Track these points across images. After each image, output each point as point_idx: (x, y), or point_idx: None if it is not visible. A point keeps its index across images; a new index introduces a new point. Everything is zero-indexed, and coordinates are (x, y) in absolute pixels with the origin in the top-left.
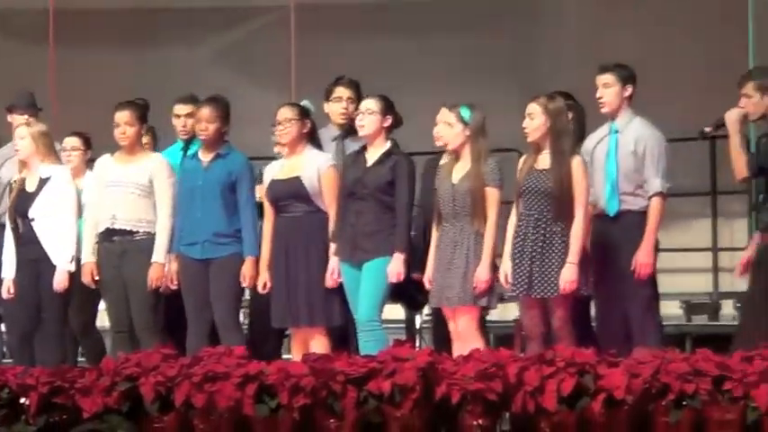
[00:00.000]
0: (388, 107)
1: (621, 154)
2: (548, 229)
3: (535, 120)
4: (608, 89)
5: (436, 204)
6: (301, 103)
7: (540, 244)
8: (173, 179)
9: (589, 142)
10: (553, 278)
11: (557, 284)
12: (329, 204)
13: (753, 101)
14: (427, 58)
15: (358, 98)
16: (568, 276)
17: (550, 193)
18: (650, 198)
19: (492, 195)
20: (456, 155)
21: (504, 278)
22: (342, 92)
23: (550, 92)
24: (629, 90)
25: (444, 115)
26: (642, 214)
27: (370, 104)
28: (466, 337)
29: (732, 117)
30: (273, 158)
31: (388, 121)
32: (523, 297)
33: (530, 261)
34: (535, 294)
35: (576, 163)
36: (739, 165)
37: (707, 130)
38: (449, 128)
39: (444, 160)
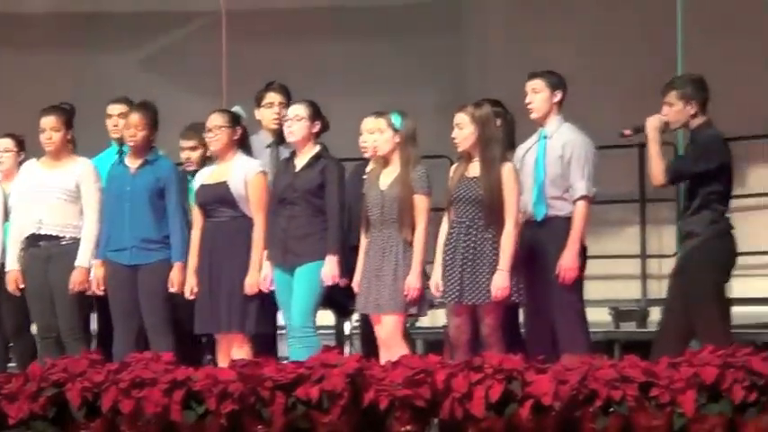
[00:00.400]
0: (315, 112)
1: (549, 159)
2: (479, 236)
3: (464, 129)
4: (537, 95)
5: (364, 211)
6: (232, 110)
7: (471, 251)
8: (99, 184)
9: (520, 150)
10: (483, 285)
11: (487, 291)
12: (255, 211)
13: (675, 109)
14: (359, 63)
15: (289, 103)
16: (500, 283)
17: (481, 200)
18: (575, 202)
19: (420, 203)
20: (385, 161)
21: (434, 287)
22: (273, 97)
23: (477, 99)
24: (558, 96)
25: (373, 123)
26: (569, 220)
27: (299, 110)
28: (390, 344)
29: (653, 124)
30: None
31: (317, 126)
32: (453, 305)
33: (460, 268)
34: (466, 301)
35: (506, 170)
36: (656, 170)
37: (625, 132)
38: (379, 134)
39: (372, 166)
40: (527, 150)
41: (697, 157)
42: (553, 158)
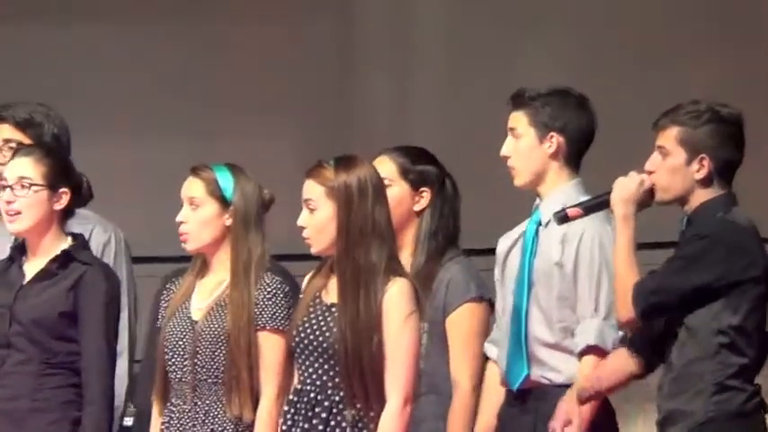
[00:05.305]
0: (59, 171)
1: (539, 268)
2: (332, 421)
3: (317, 213)
4: (519, 141)
5: (160, 361)
6: None
7: None
8: None
9: (502, 244)
10: None
11: None
12: None
13: (668, 164)
14: (141, 74)
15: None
16: None
17: (335, 352)
18: (579, 356)
19: (271, 346)
20: (204, 261)
21: None
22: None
23: (342, 155)
24: (552, 143)
25: (188, 187)
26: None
27: (26, 168)
28: None
29: (623, 192)
30: None
31: (63, 198)
32: None
33: None
34: None
35: (393, 293)
36: (625, 291)
37: (570, 212)
38: (192, 210)
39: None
40: (512, 245)
41: (686, 264)
42: (545, 266)
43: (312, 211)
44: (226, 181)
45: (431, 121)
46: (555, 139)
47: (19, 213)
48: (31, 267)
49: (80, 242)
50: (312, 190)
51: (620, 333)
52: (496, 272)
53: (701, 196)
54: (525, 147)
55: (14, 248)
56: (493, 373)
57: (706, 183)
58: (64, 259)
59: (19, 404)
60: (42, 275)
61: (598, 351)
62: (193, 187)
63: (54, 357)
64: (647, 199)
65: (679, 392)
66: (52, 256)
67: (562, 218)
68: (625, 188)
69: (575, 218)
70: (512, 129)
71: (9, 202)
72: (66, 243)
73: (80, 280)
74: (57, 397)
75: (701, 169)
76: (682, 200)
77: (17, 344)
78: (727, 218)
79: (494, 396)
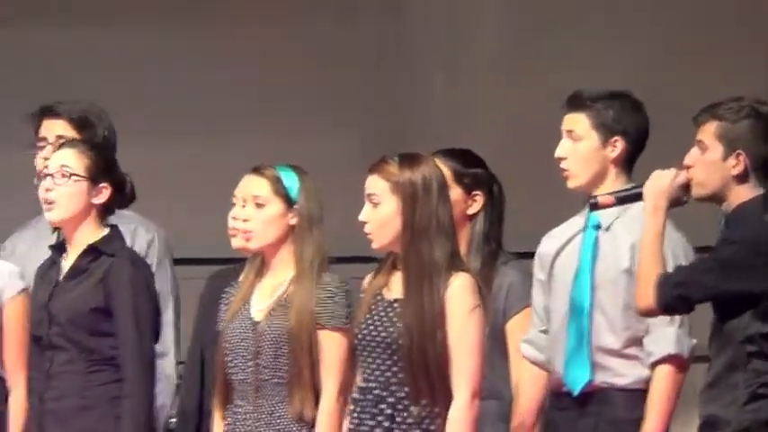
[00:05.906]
0: (102, 165)
1: (603, 273)
2: (396, 417)
3: (380, 208)
4: (578, 144)
5: (220, 363)
6: None
7: None
8: None
9: (549, 245)
10: None
11: None
12: (13, 368)
13: (707, 158)
14: (204, 71)
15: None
16: None
17: (400, 347)
18: (653, 366)
19: (331, 345)
20: (264, 261)
21: None
22: (52, 127)
23: (407, 152)
24: (617, 146)
25: (250, 186)
26: (638, 395)
27: (67, 158)
28: None
29: (659, 184)
30: None
31: (104, 192)
32: None
33: None
34: None
35: (456, 287)
36: (646, 282)
37: (602, 201)
38: (255, 209)
39: (244, 275)
40: (562, 247)
41: (718, 267)
42: (611, 271)
43: (375, 205)
44: (290, 180)
45: (481, 122)
46: (619, 143)
47: (55, 203)
48: (67, 264)
49: (110, 234)
50: (376, 185)
51: (694, 341)
52: (540, 272)
53: (737, 194)
54: (585, 149)
55: (54, 247)
56: (528, 372)
57: (742, 179)
58: (93, 253)
59: (67, 403)
60: (74, 272)
61: (677, 359)
62: (258, 186)
63: (94, 354)
64: (680, 194)
65: (715, 398)
66: (82, 249)
67: (593, 205)
68: (659, 181)
69: (606, 206)
70: (569, 131)
71: (48, 190)
72: (103, 232)
73: (108, 272)
74: (105, 393)
75: (737, 165)
76: (718, 197)
77: (59, 344)
78: (764, 219)
79: (530, 395)
